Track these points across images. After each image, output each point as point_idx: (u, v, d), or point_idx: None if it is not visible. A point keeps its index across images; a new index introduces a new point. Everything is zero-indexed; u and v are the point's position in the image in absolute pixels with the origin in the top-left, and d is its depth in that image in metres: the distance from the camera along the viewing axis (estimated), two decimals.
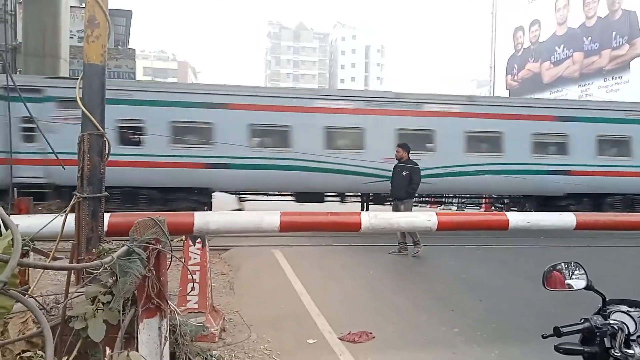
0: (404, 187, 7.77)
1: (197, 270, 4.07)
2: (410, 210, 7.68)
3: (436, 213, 4.13)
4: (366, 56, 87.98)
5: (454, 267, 6.98)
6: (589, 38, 25.67)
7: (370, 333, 4.06)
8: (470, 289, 5.73)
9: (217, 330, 3.85)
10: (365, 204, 13.38)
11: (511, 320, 4.50)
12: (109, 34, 3.31)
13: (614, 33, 24.15)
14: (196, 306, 3.97)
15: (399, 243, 7.79)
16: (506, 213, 4.15)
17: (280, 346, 3.81)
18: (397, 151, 8.14)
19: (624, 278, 5.88)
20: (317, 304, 4.87)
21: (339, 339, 3.97)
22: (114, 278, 2.32)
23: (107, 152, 3.10)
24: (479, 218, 4.47)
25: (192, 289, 3.89)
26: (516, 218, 4.03)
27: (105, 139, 3.07)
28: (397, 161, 8.07)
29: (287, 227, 3.97)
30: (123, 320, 2.27)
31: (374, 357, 3.65)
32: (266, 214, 3.99)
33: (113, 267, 2.27)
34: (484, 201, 15.89)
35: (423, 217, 4.10)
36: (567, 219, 4.10)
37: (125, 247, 2.35)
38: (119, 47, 26.04)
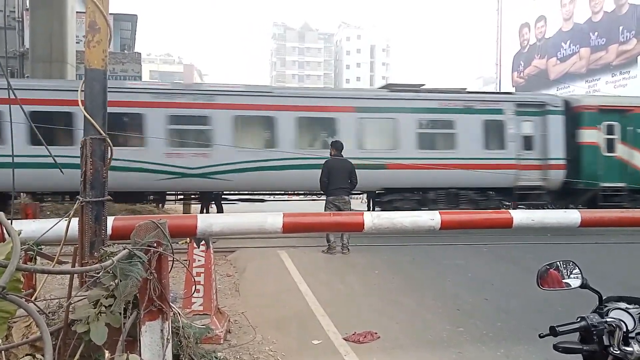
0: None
1: (202, 273, 4.08)
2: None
3: (439, 212, 4.12)
4: (371, 55, 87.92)
5: (460, 266, 6.95)
6: (596, 33, 25.46)
7: (375, 333, 4.05)
8: (476, 287, 5.71)
9: (222, 332, 3.86)
10: (370, 203, 13.37)
11: (517, 319, 4.48)
12: (110, 39, 3.33)
13: (621, 28, 23.92)
14: (201, 308, 3.98)
15: (328, 242, 7.83)
16: (510, 211, 4.12)
17: (285, 347, 3.82)
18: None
19: (630, 275, 5.82)
20: (322, 304, 4.88)
21: (344, 339, 3.97)
22: (116, 281, 2.34)
23: (109, 156, 3.13)
24: (482, 216, 4.44)
25: (197, 290, 3.90)
26: (520, 216, 4.00)
27: (107, 143, 3.10)
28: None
29: (291, 228, 3.97)
30: (125, 323, 2.28)
31: (379, 357, 3.64)
32: (269, 215, 3.99)
33: (114, 270, 2.29)
34: None
35: (426, 216, 4.08)
36: (571, 216, 4.06)
37: (126, 250, 2.37)
38: (125, 51, 26.21)
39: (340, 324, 4.28)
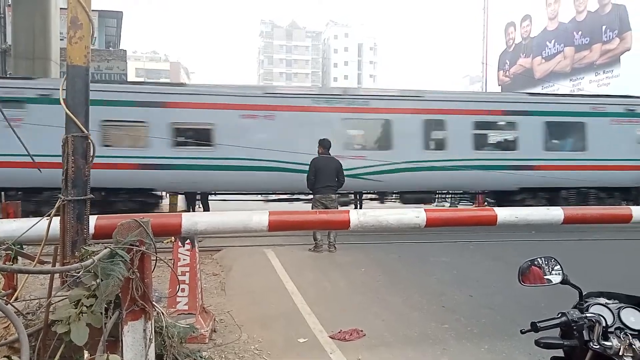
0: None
1: (187, 272, 4.05)
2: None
3: (425, 210, 4.14)
4: (359, 54, 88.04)
5: (446, 264, 7.00)
6: (580, 32, 25.78)
7: (361, 331, 4.06)
8: (462, 284, 5.75)
9: (207, 331, 3.84)
10: (358, 202, 13.45)
11: (501, 315, 4.52)
12: (93, 35, 3.29)
13: (604, 27, 24.26)
14: (186, 307, 3.96)
15: (315, 240, 7.84)
16: (494, 208, 4.16)
17: (271, 346, 3.81)
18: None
19: (610, 271, 5.91)
20: (309, 302, 4.88)
21: (330, 337, 3.97)
22: (97, 281, 2.31)
23: (91, 154, 3.09)
24: (467, 214, 4.48)
25: (181, 290, 3.88)
26: (504, 213, 4.04)
27: (89, 140, 3.06)
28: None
29: (276, 226, 3.96)
30: (106, 323, 2.26)
31: (365, 355, 3.65)
32: (254, 213, 3.98)
33: (95, 269, 2.27)
34: (478, 197, 15.89)
35: (412, 214, 4.10)
36: (554, 213, 4.12)
37: (107, 249, 2.34)
38: (110, 48, 25.93)
39: (326, 322, 4.29)
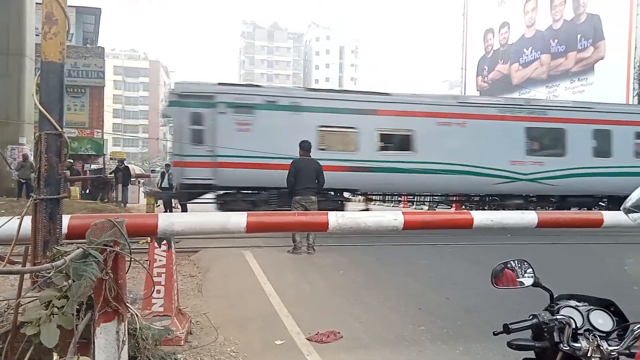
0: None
1: (163, 273, 3.99)
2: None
3: (402, 212, 4.17)
4: (340, 57, 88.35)
5: (424, 266, 7.06)
6: (556, 40, 26.38)
7: (338, 333, 4.06)
8: (439, 287, 5.81)
9: (182, 333, 3.80)
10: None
11: (476, 317, 4.57)
12: (69, 31, 3.23)
13: (579, 36, 24.88)
14: (161, 309, 3.90)
15: (294, 242, 7.79)
16: (471, 212, 4.22)
17: (248, 348, 3.78)
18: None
19: (581, 274, 6.05)
20: (287, 304, 4.86)
21: (307, 339, 3.96)
22: (69, 281, 2.26)
23: (66, 152, 3.03)
24: (444, 217, 4.54)
25: (157, 291, 3.82)
26: (480, 217, 4.11)
27: (63, 138, 3.00)
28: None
29: (254, 227, 3.95)
30: (78, 325, 2.21)
31: (341, 357, 3.65)
32: (233, 214, 3.96)
33: (67, 270, 2.22)
34: (455, 199, 16.13)
35: (390, 216, 4.13)
36: (529, 217, 4.20)
37: (80, 250, 2.29)
38: (88, 45, 25.49)
39: (304, 324, 4.28)
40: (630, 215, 1.30)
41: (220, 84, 12.44)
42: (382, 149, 12.29)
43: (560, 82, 25.89)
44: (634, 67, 22.04)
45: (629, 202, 1.28)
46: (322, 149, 11.66)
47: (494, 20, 31.33)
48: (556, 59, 26.33)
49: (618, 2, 22.52)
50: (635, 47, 22.04)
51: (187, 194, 11.86)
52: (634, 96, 21.69)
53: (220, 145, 11.19)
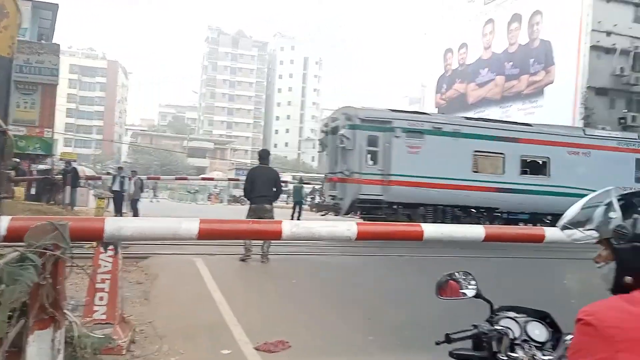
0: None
1: (107, 279, 3.86)
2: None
3: (357, 223, 4.21)
4: (304, 67, 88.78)
5: (376, 277, 7.14)
6: (511, 63, 27.54)
7: (287, 342, 4.03)
8: (389, 297, 5.88)
9: (125, 342, 3.67)
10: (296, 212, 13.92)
11: (424, 328, 4.63)
12: (20, 25, 3.11)
13: (531, 60, 26.07)
14: (104, 317, 3.75)
15: (246, 250, 7.70)
16: (421, 224, 4.31)
17: (193, 358, 3.70)
18: None
19: (522, 286, 6.28)
20: (236, 313, 4.79)
21: (255, 349, 3.91)
22: (2, 286, 2.16)
23: (11, 150, 2.90)
24: (395, 229, 4.60)
25: (100, 298, 3.69)
26: (430, 229, 4.18)
27: (8, 136, 2.87)
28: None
29: (206, 234, 3.86)
30: (9, 332, 2.10)
31: None
32: (184, 220, 3.87)
33: (1, 274, 2.11)
34: None
35: (343, 227, 4.16)
36: (476, 230, 4.32)
37: (16, 253, 2.19)
38: (43, 41, 24.50)
39: (252, 333, 4.22)
40: (565, 232, 1.37)
41: (392, 110, 14.09)
42: (522, 173, 14.11)
43: (512, 103, 26.99)
44: (581, 92, 23.29)
45: (564, 220, 1.35)
46: (475, 171, 13.55)
47: (453, 40, 32.39)
48: (510, 80, 27.47)
49: (568, 30, 23.78)
50: (582, 74, 23.31)
51: (361, 207, 13.11)
52: (580, 119, 22.88)
53: (394, 166, 12.86)
